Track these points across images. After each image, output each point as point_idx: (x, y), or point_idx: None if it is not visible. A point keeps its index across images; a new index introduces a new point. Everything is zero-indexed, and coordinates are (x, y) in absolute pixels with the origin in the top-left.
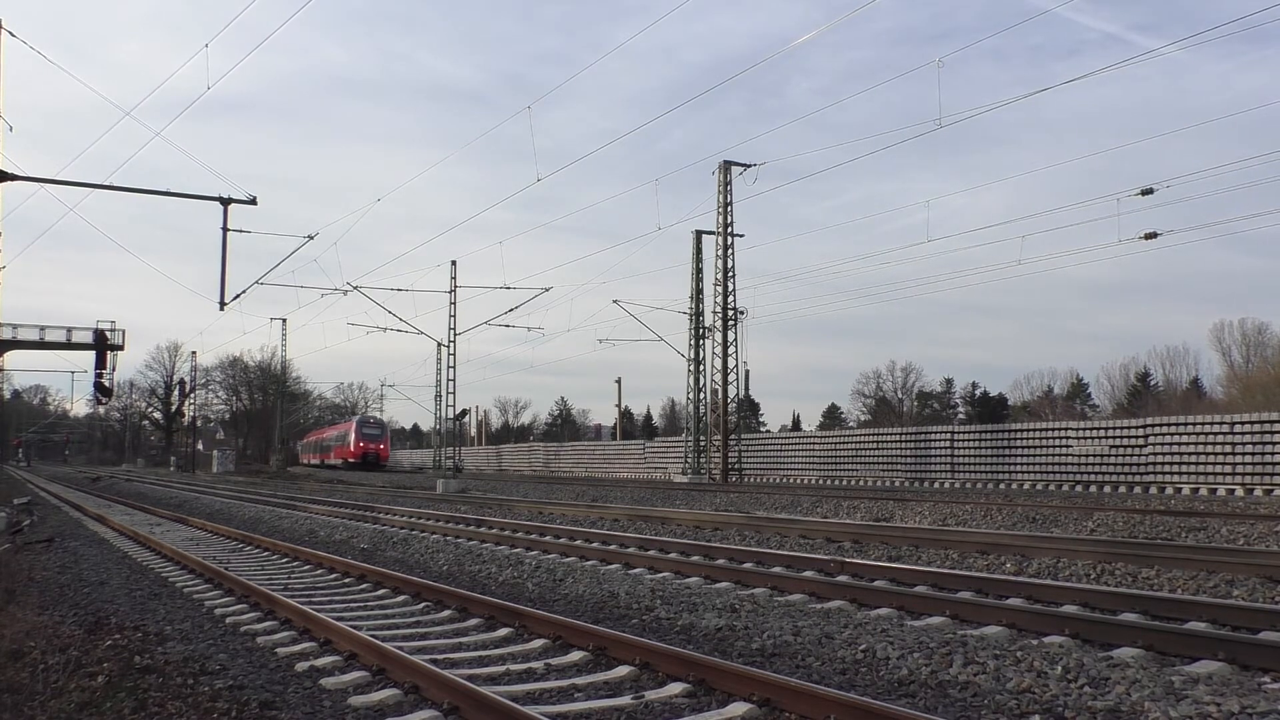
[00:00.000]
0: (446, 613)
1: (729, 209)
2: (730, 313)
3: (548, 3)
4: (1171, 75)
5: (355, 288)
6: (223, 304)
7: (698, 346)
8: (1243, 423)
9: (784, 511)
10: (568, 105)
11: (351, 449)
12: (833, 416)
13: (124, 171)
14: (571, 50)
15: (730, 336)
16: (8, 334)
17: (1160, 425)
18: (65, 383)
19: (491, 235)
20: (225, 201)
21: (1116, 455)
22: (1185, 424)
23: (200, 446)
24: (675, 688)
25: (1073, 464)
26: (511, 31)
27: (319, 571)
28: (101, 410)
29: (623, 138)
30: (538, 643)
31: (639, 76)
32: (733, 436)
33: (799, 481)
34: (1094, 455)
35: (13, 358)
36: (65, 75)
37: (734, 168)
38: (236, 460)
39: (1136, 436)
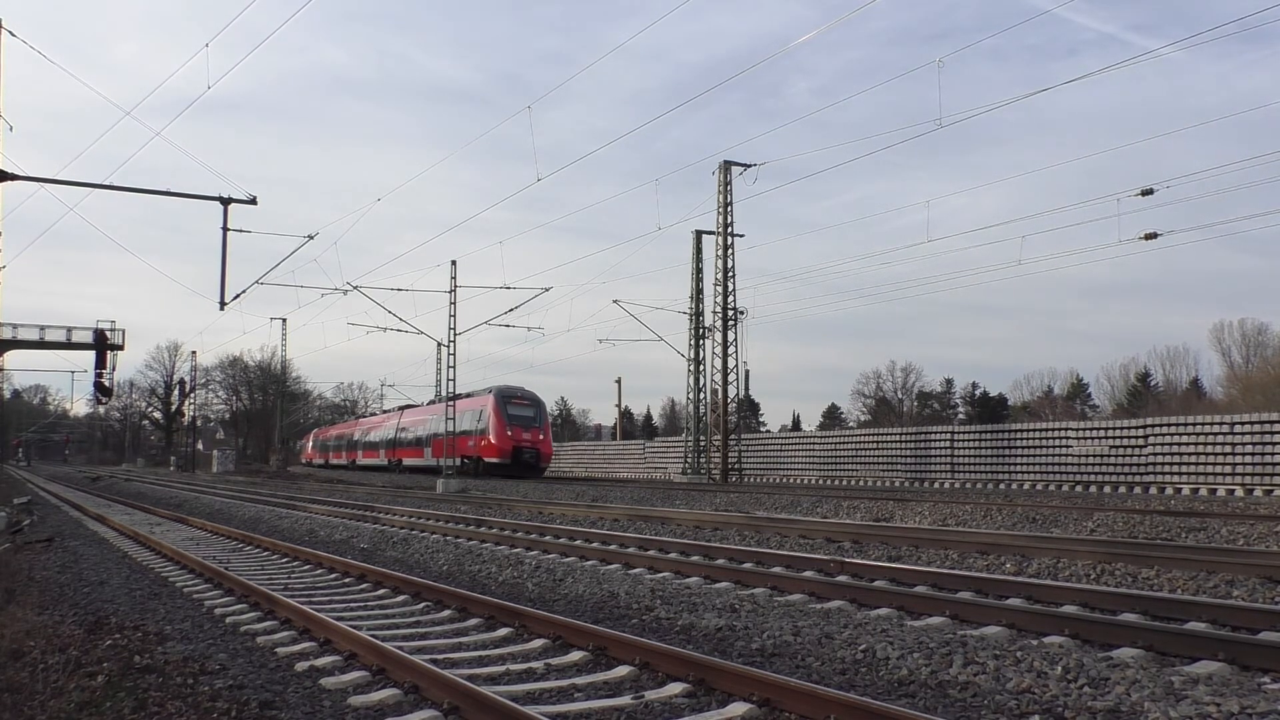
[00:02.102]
0: (446, 613)
1: (729, 209)
2: (730, 313)
3: (545, 3)
4: (1170, 75)
5: (355, 288)
6: (223, 304)
7: (698, 346)
8: (1243, 423)
9: (784, 511)
10: (566, 105)
11: (494, 440)
12: (833, 416)
13: (124, 171)
14: (570, 50)
15: (730, 336)
16: (8, 334)
17: (1160, 425)
18: (65, 383)
19: (491, 235)
20: (225, 201)
21: (1116, 455)
22: (1185, 424)
23: (200, 446)
24: (675, 687)
25: (1073, 464)
26: (510, 31)
27: (319, 571)
28: (101, 410)
29: (622, 138)
30: (538, 643)
31: (637, 76)
32: (733, 436)
33: (799, 481)
34: (1094, 455)
35: (13, 358)
36: (65, 75)
37: (734, 168)
38: (236, 460)
39: (1136, 437)
